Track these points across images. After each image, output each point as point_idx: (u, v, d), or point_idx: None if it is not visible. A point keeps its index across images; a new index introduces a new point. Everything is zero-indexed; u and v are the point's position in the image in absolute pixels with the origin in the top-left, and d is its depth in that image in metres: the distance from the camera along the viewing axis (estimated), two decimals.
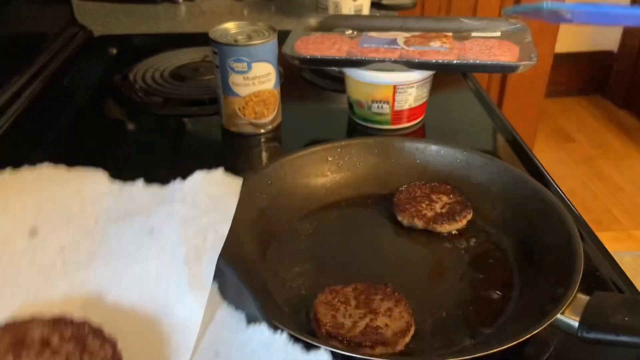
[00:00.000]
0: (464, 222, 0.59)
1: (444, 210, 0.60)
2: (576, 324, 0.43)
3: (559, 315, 0.44)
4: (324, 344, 0.42)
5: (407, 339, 0.46)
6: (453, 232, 0.59)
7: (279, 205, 0.60)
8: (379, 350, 0.45)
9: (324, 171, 0.65)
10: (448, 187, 0.62)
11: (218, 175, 0.40)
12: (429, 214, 0.60)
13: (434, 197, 0.61)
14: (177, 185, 0.40)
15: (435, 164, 0.65)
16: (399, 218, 0.60)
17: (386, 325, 0.47)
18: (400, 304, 0.49)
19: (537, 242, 0.55)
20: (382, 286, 0.50)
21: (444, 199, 0.61)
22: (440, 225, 0.59)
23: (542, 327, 0.43)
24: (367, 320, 0.47)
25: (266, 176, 0.61)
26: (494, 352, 0.42)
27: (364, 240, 0.59)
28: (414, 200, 0.61)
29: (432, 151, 0.65)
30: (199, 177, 0.39)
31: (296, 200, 0.62)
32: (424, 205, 0.60)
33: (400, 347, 0.46)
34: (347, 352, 0.42)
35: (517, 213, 0.58)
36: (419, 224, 0.59)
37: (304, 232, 0.60)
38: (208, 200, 0.39)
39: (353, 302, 0.48)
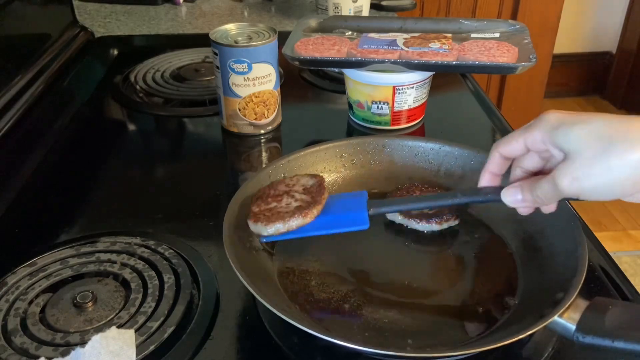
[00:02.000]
0: (444, 225, 0.60)
1: (429, 212, 0.60)
2: (573, 328, 0.44)
3: (555, 318, 0.44)
4: (326, 335, 0.42)
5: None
6: (433, 232, 0.60)
7: None
8: (324, 197, 0.53)
9: (338, 167, 0.65)
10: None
11: (112, 332, 0.44)
12: (413, 211, 0.60)
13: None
14: (78, 352, 0.42)
15: (448, 164, 0.65)
16: None
17: (303, 186, 0.55)
18: (292, 178, 0.57)
19: (544, 246, 0.55)
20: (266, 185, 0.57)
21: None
22: (416, 222, 0.59)
23: (538, 328, 0.43)
24: (291, 197, 0.54)
25: (280, 169, 0.62)
26: (487, 350, 0.42)
27: (373, 237, 0.60)
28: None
29: (446, 151, 0.65)
30: (96, 339, 0.42)
31: None
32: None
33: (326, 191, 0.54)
34: (348, 342, 0.42)
35: (528, 216, 0.58)
36: (398, 217, 0.60)
37: None
38: (110, 357, 0.42)
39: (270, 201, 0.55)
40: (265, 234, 0.52)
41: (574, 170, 0.42)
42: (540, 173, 0.49)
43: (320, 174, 0.60)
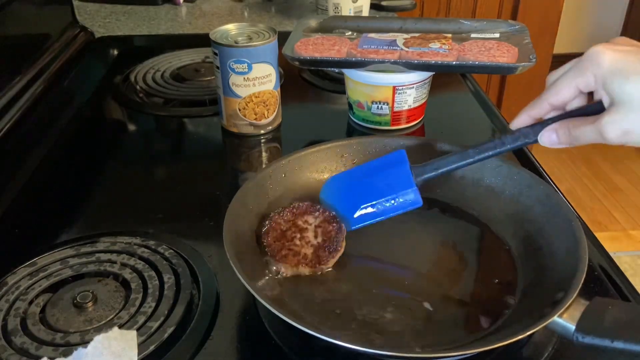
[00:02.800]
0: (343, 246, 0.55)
1: (319, 240, 0.55)
2: (572, 328, 0.44)
3: (555, 318, 0.44)
4: (322, 334, 0.43)
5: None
6: None
7: (291, 199, 0.61)
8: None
9: (339, 167, 0.65)
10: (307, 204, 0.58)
11: (115, 332, 0.44)
12: (307, 251, 0.54)
13: (300, 223, 0.56)
14: (80, 352, 0.42)
15: None
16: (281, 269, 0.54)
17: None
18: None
19: (544, 246, 0.55)
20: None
21: (311, 221, 0.57)
22: (325, 262, 0.54)
23: (537, 328, 0.43)
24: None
25: (280, 169, 0.62)
26: (487, 350, 0.43)
27: (372, 238, 0.60)
28: (284, 237, 0.55)
29: (446, 151, 0.65)
30: (98, 340, 0.43)
31: (308, 194, 0.62)
32: (297, 241, 0.55)
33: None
34: (347, 342, 0.42)
35: (527, 216, 0.58)
36: (305, 270, 0.54)
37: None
38: (112, 357, 0.43)
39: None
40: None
41: (626, 122, 0.41)
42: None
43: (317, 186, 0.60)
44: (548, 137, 0.49)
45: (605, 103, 0.44)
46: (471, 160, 0.54)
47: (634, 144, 0.43)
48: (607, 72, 0.43)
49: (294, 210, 0.57)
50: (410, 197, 0.54)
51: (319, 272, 0.54)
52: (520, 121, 0.52)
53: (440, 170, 0.55)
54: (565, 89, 0.47)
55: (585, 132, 0.45)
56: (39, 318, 0.49)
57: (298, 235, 0.55)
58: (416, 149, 0.66)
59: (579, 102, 0.48)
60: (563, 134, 0.48)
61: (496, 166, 0.62)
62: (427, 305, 0.51)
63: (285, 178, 0.62)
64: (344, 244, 0.55)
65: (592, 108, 0.47)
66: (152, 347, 0.47)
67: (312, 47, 0.78)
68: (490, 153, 0.53)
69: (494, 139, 0.53)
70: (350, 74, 0.78)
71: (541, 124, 0.51)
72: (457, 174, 0.64)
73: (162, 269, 0.54)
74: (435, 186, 0.64)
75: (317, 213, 0.57)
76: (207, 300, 0.52)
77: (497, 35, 0.81)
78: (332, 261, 0.54)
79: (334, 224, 0.55)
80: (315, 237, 0.55)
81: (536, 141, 0.51)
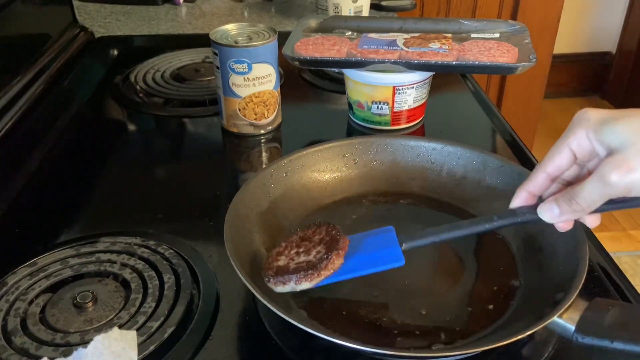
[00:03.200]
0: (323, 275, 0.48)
1: (297, 264, 0.49)
2: (572, 329, 0.44)
3: (555, 319, 0.44)
4: (322, 334, 0.43)
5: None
6: None
7: (292, 198, 0.61)
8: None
9: (340, 167, 0.65)
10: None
11: (115, 333, 0.44)
12: (281, 263, 0.50)
13: (315, 240, 0.52)
14: (81, 352, 0.42)
15: (450, 165, 0.65)
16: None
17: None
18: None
19: (544, 246, 0.55)
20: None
21: (320, 249, 0.50)
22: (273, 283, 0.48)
23: (537, 328, 0.43)
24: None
25: (282, 168, 0.62)
26: (487, 350, 0.43)
27: None
28: (295, 243, 0.52)
29: (449, 151, 0.65)
30: (98, 340, 0.43)
31: (309, 194, 0.63)
32: (292, 252, 0.51)
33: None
34: (347, 342, 0.42)
35: None
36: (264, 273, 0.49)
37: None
38: (112, 357, 0.43)
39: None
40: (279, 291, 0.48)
41: (627, 161, 0.40)
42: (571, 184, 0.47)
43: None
44: (549, 210, 0.45)
45: (603, 154, 0.43)
46: (460, 233, 0.50)
47: (636, 190, 0.40)
48: (596, 123, 0.43)
49: (330, 229, 0.51)
50: (394, 254, 0.50)
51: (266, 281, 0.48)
52: (519, 199, 0.48)
53: (426, 240, 0.51)
54: (558, 154, 0.45)
55: (587, 188, 0.42)
56: (39, 318, 0.49)
57: (301, 249, 0.51)
58: (418, 149, 0.66)
59: (569, 173, 0.46)
60: (564, 201, 0.44)
61: (497, 167, 0.62)
62: (426, 305, 0.51)
63: (287, 177, 0.62)
64: (305, 284, 0.47)
65: None
66: (152, 347, 0.47)
67: (312, 47, 0.78)
68: (482, 228, 0.50)
69: (492, 215, 0.49)
70: (350, 74, 0.78)
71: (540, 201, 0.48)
72: (458, 175, 0.64)
73: (162, 269, 0.54)
74: (436, 186, 0.65)
75: (340, 245, 0.49)
76: (207, 300, 0.52)
77: (497, 35, 0.81)
78: (279, 288, 0.47)
79: (323, 263, 0.48)
80: (304, 257, 0.49)
81: (535, 219, 0.47)
